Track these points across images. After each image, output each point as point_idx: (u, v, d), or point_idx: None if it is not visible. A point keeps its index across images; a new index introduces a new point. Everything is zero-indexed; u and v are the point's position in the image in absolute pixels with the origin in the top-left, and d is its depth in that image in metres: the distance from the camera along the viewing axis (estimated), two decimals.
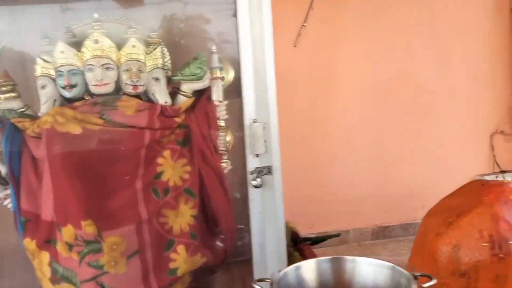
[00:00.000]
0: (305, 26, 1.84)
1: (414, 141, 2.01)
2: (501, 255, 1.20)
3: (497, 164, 2.05)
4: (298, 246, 1.35)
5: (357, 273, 0.94)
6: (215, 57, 1.34)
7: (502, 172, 2.06)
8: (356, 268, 0.94)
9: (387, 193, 1.97)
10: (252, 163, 1.23)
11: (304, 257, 1.31)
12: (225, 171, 1.39)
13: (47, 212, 1.21)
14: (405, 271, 0.89)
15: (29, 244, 1.22)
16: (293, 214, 1.96)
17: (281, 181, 1.25)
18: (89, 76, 1.28)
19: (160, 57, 1.40)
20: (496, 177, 2.04)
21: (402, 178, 1.97)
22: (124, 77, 1.31)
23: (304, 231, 1.96)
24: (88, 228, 1.23)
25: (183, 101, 1.43)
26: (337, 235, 1.51)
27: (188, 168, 1.48)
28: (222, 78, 1.37)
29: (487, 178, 2.03)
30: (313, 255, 1.33)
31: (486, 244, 1.21)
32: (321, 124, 1.94)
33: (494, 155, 2.06)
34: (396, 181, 1.98)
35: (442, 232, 1.28)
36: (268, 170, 1.23)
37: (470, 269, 1.21)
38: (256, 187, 1.21)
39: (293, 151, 1.93)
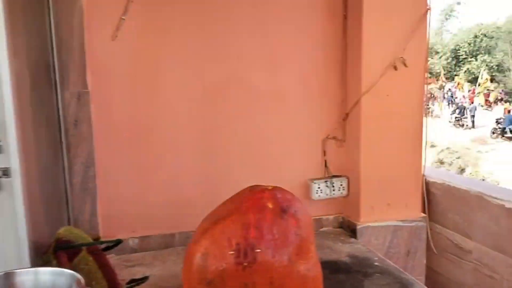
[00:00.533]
0: (124, 19, 1.79)
1: (246, 145, 2.03)
2: (245, 263, 1.22)
3: (328, 169, 2.12)
4: (57, 254, 1.29)
5: (37, 285, 0.91)
6: None
7: (333, 176, 2.13)
8: (37, 280, 0.91)
9: (215, 196, 1.96)
10: None
11: (60, 265, 1.27)
12: None
13: None
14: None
15: None
16: (113, 218, 1.92)
17: (21, 185, 1.19)
18: None
19: None
20: (325, 181, 2.11)
21: (233, 182, 1.96)
22: None
23: (126, 236, 1.92)
24: None
25: None
26: (118, 241, 1.47)
27: None
28: None
29: (317, 182, 2.10)
30: (67, 263, 1.29)
31: (232, 252, 1.23)
32: (145, 123, 1.90)
33: (325, 160, 2.12)
34: (226, 184, 1.98)
35: (197, 239, 1.29)
36: (3, 173, 1.16)
37: (216, 278, 1.23)
38: None
39: (113, 151, 1.88)
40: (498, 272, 2.43)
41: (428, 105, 20.72)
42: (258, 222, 1.27)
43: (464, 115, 21.28)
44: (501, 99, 22.12)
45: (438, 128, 21.60)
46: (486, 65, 31.36)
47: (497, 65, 32.07)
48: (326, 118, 2.14)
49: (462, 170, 17.37)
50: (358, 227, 2.05)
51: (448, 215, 2.84)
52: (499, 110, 19.35)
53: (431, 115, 23.21)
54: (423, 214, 2.18)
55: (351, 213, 2.13)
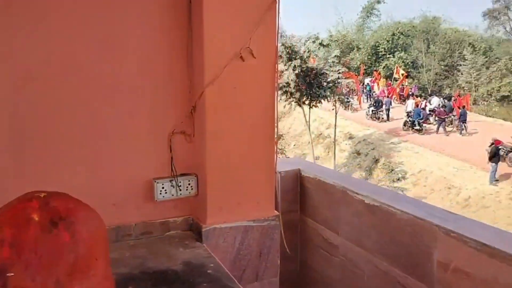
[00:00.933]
0: None
1: (75, 140, 1.78)
2: None
3: (174, 167, 1.93)
4: None
5: None
6: None
7: (181, 175, 1.95)
8: None
9: None
10: None
11: None
12: None
13: None
14: None
15: None
16: None
17: None
18: None
19: None
20: (171, 180, 1.93)
21: (62, 184, 1.71)
22: None
23: None
24: None
25: None
26: None
27: None
28: None
29: (160, 182, 1.91)
30: None
31: None
32: None
33: (172, 157, 1.93)
34: (54, 187, 1.71)
35: None
36: None
37: None
38: None
39: None
40: (360, 267, 2.43)
41: (348, 98, 21.67)
42: (15, 238, 1.04)
43: (380, 108, 22.44)
44: (412, 94, 23.61)
45: (356, 121, 22.64)
46: (403, 62, 33.39)
47: (412, 62, 34.29)
48: (173, 111, 1.94)
49: (377, 161, 18.36)
50: (203, 229, 1.90)
51: (320, 210, 2.81)
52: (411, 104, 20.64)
53: (350, 109, 24.27)
54: (276, 212, 2.08)
55: (199, 215, 1.97)
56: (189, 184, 1.96)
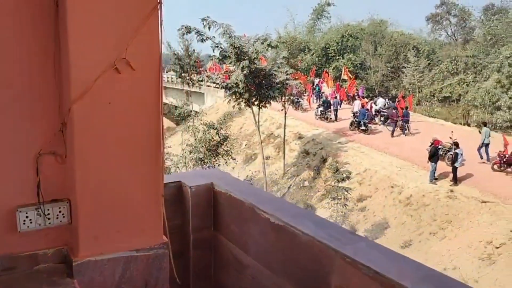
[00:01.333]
0: None
1: None
2: None
3: (41, 193, 1.69)
4: None
5: None
6: None
7: (51, 201, 1.71)
8: None
9: None
10: None
11: None
12: None
13: None
14: None
15: None
16: None
17: None
18: None
19: None
20: (37, 208, 1.68)
21: None
22: None
23: None
24: None
25: None
26: None
27: None
28: None
29: (23, 211, 1.65)
30: None
31: None
32: None
33: (39, 181, 1.69)
34: None
35: None
36: None
37: None
38: None
39: None
40: None
41: (297, 99, 21.83)
42: None
43: (328, 109, 22.80)
44: (358, 95, 24.18)
45: (306, 121, 22.89)
46: (351, 63, 34.18)
47: (360, 64, 35.18)
48: (39, 128, 1.70)
49: (325, 160, 18.60)
50: (75, 263, 1.67)
51: (231, 227, 2.64)
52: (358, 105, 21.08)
53: (301, 109, 24.55)
54: (165, 239, 1.89)
55: (73, 246, 1.74)
56: (60, 211, 1.72)
